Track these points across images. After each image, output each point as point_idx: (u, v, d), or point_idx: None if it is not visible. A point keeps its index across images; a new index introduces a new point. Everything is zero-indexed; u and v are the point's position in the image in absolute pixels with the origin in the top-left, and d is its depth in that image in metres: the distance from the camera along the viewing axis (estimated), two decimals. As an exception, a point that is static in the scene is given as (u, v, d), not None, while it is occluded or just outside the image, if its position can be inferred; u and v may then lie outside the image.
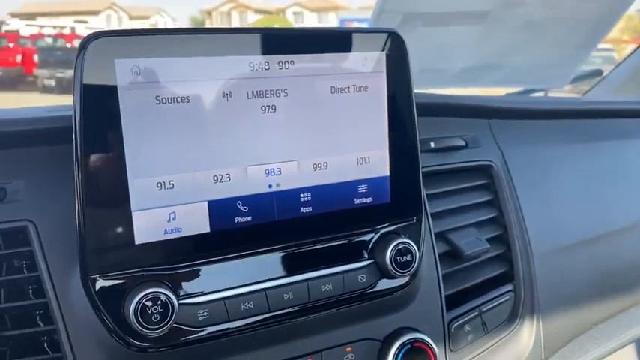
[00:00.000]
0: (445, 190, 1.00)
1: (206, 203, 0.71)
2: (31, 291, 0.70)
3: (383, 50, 0.80)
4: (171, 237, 0.69)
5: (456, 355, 0.91)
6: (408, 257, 0.82)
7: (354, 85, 0.79)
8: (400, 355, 0.83)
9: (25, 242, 0.70)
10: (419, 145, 0.84)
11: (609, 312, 1.12)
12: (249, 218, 0.74)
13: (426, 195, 0.94)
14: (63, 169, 0.69)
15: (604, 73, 2.29)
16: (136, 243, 0.67)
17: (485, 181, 1.06)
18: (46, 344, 0.70)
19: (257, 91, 0.73)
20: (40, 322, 0.70)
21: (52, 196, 0.71)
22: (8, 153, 0.73)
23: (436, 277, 0.91)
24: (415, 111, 0.83)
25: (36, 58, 15.55)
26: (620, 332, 1.12)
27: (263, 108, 0.73)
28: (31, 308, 0.70)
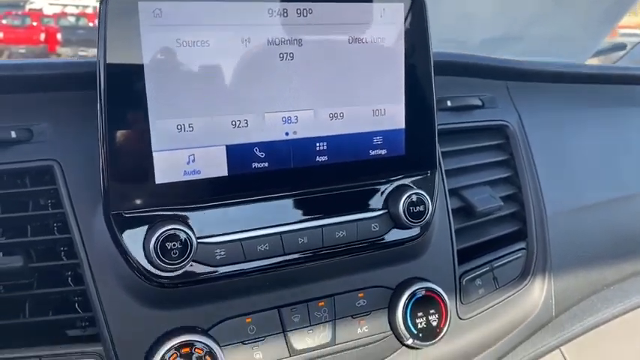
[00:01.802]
0: (460, 148, 1.01)
1: (224, 147, 0.74)
2: (55, 228, 0.74)
3: (401, 1, 0.80)
4: (191, 178, 0.72)
5: (466, 307, 0.93)
6: (421, 208, 0.83)
7: (371, 36, 0.80)
8: (411, 303, 0.85)
9: (51, 181, 0.73)
10: (435, 100, 0.85)
11: (622, 275, 1.12)
12: (266, 164, 0.76)
13: (441, 152, 0.95)
14: (87, 112, 0.71)
15: (627, 48, 2.25)
16: (157, 182, 0.70)
17: (500, 141, 1.06)
18: (69, 278, 0.74)
19: (275, 39, 0.74)
20: (63, 257, 0.73)
21: (76, 138, 0.74)
22: (35, 96, 0.75)
23: (448, 232, 0.93)
24: (432, 64, 0.84)
25: (59, 36, 15.68)
26: (632, 295, 1.12)
27: (281, 55, 0.75)
28: (55, 244, 0.73)
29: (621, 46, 2.29)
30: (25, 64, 0.75)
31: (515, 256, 1.00)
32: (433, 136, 0.86)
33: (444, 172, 0.95)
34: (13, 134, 0.72)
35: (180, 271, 0.71)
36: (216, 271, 0.73)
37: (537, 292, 1.00)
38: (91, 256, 0.72)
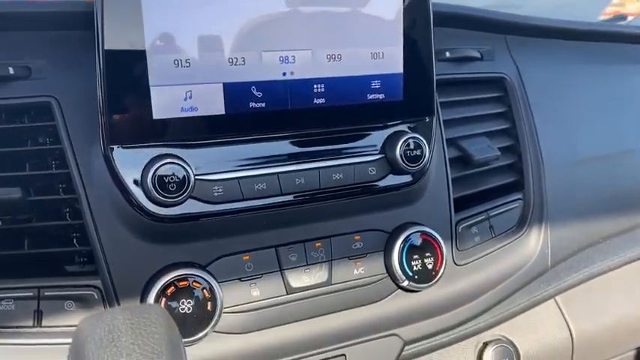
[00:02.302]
0: (459, 99, 1.01)
1: (221, 85, 0.74)
2: (54, 164, 0.74)
3: (399, -59, 0.80)
4: (188, 115, 0.72)
5: (462, 254, 0.94)
6: (418, 152, 0.84)
7: (370, -22, 0.80)
8: (407, 246, 0.85)
9: (49, 117, 0.73)
10: (433, 46, 0.84)
11: (619, 228, 1.13)
12: (263, 104, 0.76)
13: (440, 103, 0.96)
14: (86, 50, 0.71)
15: (628, 19, 2.23)
16: (154, 118, 0.70)
17: (499, 93, 1.06)
18: (68, 214, 0.74)
19: (274, -24, 0.74)
20: (62, 193, 0.74)
21: (74, 75, 0.74)
22: (34, 34, 0.75)
23: (445, 180, 0.93)
24: (431, 8, 0.83)
25: None
26: (629, 248, 1.13)
27: (279, -7, 0.75)
28: (54, 179, 0.74)
29: (622, 18, 2.28)
30: (23, 1, 0.75)
31: (512, 206, 1.01)
32: (431, 82, 0.86)
33: (442, 121, 0.95)
34: (11, 70, 0.72)
35: (178, 207, 0.72)
36: (214, 209, 0.74)
37: (533, 242, 1.01)
38: (89, 191, 0.72)
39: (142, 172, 0.70)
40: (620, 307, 1.13)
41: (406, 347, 0.86)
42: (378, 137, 0.84)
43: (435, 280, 0.87)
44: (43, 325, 0.69)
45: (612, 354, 1.14)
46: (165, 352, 0.49)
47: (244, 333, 0.77)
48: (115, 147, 0.69)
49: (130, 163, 0.70)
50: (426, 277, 0.86)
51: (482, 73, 1.04)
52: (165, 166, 0.70)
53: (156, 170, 0.69)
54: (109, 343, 0.49)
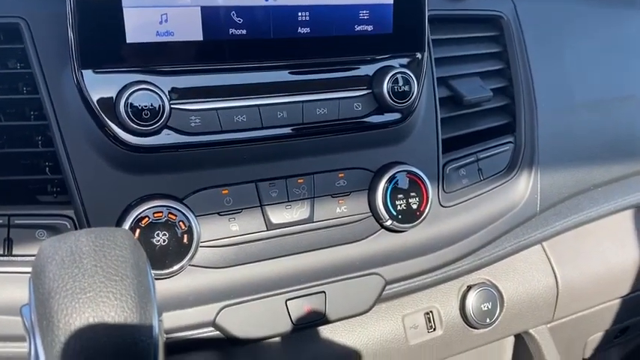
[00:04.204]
0: (452, 37, 0.97)
1: (199, 8, 0.70)
2: (25, 90, 0.71)
3: None
4: (164, 40, 0.69)
5: (449, 195, 0.92)
6: (406, 88, 0.81)
7: None
8: (391, 185, 0.83)
9: (18, 40, 0.69)
10: None
11: (610, 176, 1.11)
12: (244, 31, 0.73)
13: (432, 40, 0.92)
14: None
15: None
16: (128, 41, 0.67)
17: (494, 33, 1.02)
18: (40, 142, 0.72)
19: None
20: (33, 119, 0.71)
21: (44, -4, 0.70)
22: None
23: (434, 120, 0.90)
24: None
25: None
26: (619, 197, 1.11)
27: None
28: (25, 104, 0.71)
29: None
30: None
31: (502, 149, 0.98)
32: (422, 15, 0.82)
33: (433, 59, 0.92)
34: (-24, -11, 0.68)
35: (154, 137, 0.69)
36: (192, 140, 0.72)
37: (523, 187, 0.98)
38: (61, 118, 0.69)
39: (115, 98, 0.67)
40: (607, 256, 1.12)
41: (388, 287, 0.85)
42: (365, 72, 0.81)
43: (420, 220, 0.85)
44: (13, 253, 0.68)
45: (596, 302, 1.14)
46: (129, 274, 0.48)
47: (223, 267, 0.75)
48: (85, 71, 0.66)
49: (102, 89, 0.67)
50: (410, 217, 0.84)
51: (477, 10, 1.00)
52: (139, 92, 0.66)
53: (129, 97, 0.66)
54: (71, 264, 0.47)
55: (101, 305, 0.45)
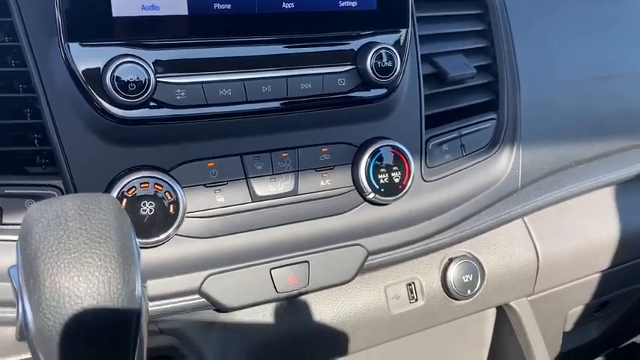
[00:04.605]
0: (437, 14, 0.98)
1: (184, -17, 0.71)
2: (13, 63, 0.72)
3: None
4: (149, 14, 0.70)
5: (431, 171, 0.94)
6: (389, 64, 0.82)
7: None
8: (374, 159, 0.85)
9: (5, 12, 0.70)
10: None
11: (592, 154, 1.12)
12: (229, 6, 0.74)
13: (417, 17, 0.93)
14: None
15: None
16: (114, 15, 0.68)
17: (479, 11, 1.03)
18: (28, 115, 0.73)
19: None
20: (22, 91, 0.72)
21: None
22: None
23: (418, 96, 0.92)
24: None
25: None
26: (600, 173, 1.13)
27: None
28: (13, 77, 0.72)
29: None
30: None
31: (485, 126, 1.00)
32: None
33: (417, 36, 0.93)
34: (-38, -38, 0.69)
35: (140, 110, 0.71)
36: (177, 113, 0.73)
37: (504, 162, 1.00)
38: (49, 90, 0.71)
39: (102, 71, 0.68)
40: (587, 231, 1.15)
41: (370, 258, 0.88)
42: (349, 47, 0.82)
43: (402, 193, 0.87)
44: (2, 222, 0.70)
45: (577, 276, 1.17)
46: (113, 237, 0.50)
47: (209, 237, 0.78)
48: (72, 44, 0.67)
49: (89, 62, 0.68)
50: (392, 190, 0.87)
51: (462, -13, 1.01)
52: (125, 65, 0.68)
53: (115, 70, 0.68)
54: (57, 227, 0.49)
55: (85, 265, 0.47)
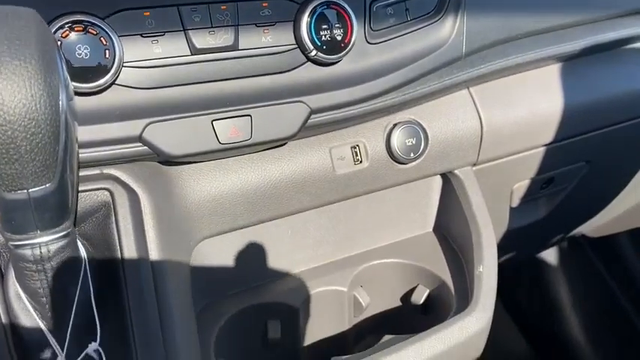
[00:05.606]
0: None
1: None
2: None
3: None
4: None
5: (375, 34, 0.94)
6: None
7: None
8: (316, 16, 0.86)
9: None
10: None
11: (540, 26, 1.13)
12: None
13: None
14: None
15: None
16: None
17: None
18: None
19: None
20: None
21: None
22: None
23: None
24: None
25: None
26: (545, 46, 1.16)
27: None
28: None
29: None
30: None
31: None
32: None
33: None
34: None
35: None
36: None
37: (449, 28, 1.01)
38: None
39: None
40: (533, 103, 1.18)
41: (313, 116, 0.90)
42: None
43: (345, 52, 0.88)
44: None
45: (521, 147, 1.21)
46: (33, 42, 0.51)
47: (148, 88, 0.78)
48: None
49: None
50: (334, 48, 0.88)
51: None
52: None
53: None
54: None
55: (4, 64, 0.48)
